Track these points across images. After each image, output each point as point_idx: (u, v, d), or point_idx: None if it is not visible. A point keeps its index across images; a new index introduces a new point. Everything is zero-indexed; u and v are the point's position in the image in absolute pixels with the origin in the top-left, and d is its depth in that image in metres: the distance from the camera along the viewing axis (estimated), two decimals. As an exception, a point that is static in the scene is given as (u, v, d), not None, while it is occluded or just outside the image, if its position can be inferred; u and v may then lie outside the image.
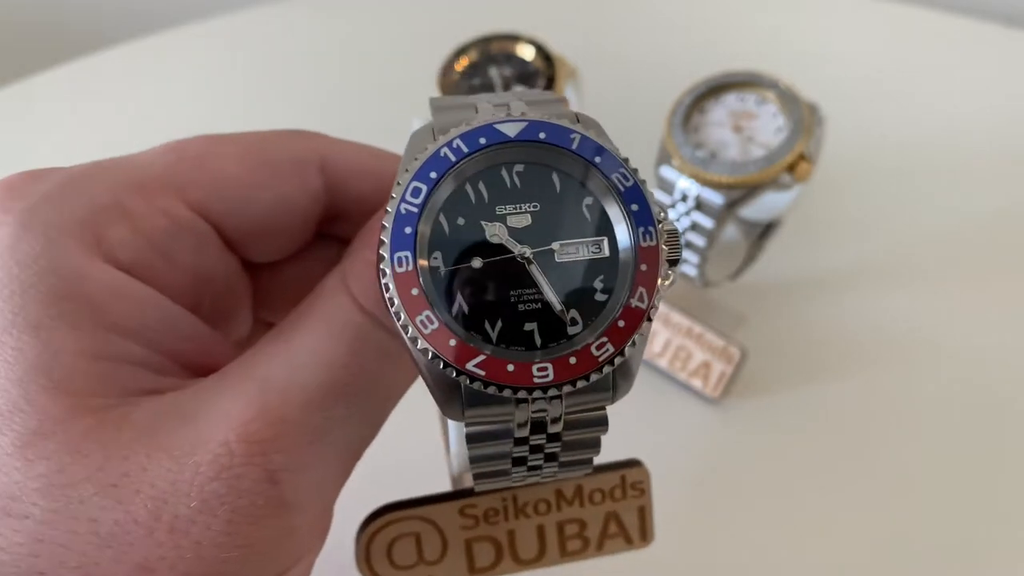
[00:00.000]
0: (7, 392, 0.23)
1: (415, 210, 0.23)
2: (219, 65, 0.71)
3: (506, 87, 0.47)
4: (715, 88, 0.44)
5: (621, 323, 0.22)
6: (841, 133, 0.49)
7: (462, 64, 0.48)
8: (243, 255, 0.29)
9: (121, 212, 0.26)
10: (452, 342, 0.22)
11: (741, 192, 0.42)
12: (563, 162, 0.23)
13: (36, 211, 0.24)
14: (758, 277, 0.50)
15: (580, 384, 0.22)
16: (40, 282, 0.24)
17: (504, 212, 0.23)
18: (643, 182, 0.23)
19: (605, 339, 0.22)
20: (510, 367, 0.22)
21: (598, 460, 0.28)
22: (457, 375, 0.22)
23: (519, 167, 0.23)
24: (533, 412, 0.23)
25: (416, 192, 0.23)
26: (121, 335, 0.24)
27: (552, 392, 0.22)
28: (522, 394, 0.22)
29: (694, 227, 0.43)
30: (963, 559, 0.40)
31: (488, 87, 0.47)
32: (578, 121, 0.24)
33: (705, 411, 0.45)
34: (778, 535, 0.41)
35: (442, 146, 0.23)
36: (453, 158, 0.23)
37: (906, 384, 0.46)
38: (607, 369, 0.22)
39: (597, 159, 0.23)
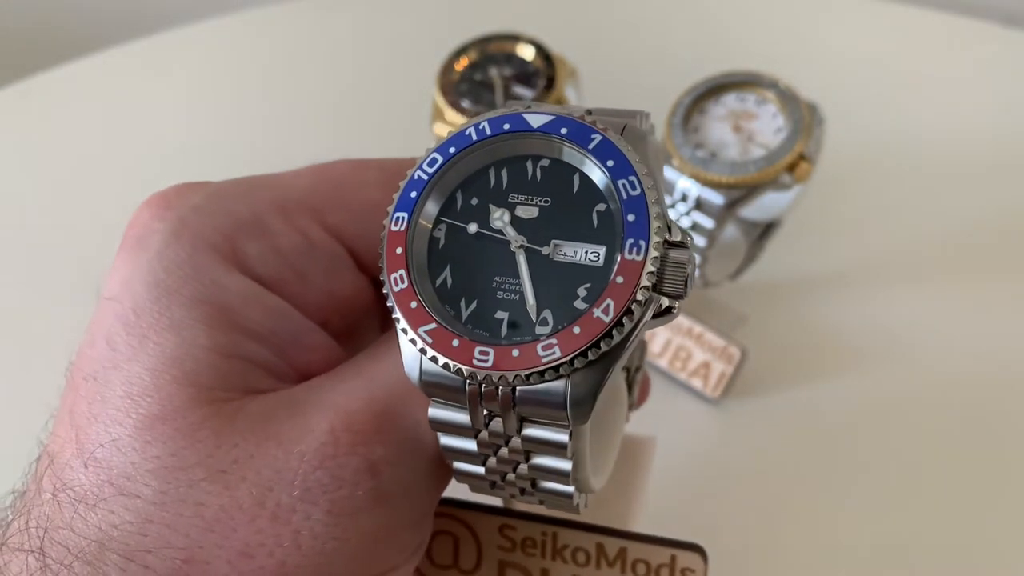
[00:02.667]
0: (141, 379, 0.25)
1: (426, 178, 0.23)
2: (219, 65, 0.71)
3: (506, 87, 0.47)
4: (715, 88, 0.44)
5: (576, 329, 0.21)
6: (841, 133, 0.49)
7: (462, 64, 0.48)
8: (374, 275, 0.31)
9: (260, 229, 0.27)
10: (413, 304, 0.22)
11: (741, 192, 0.42)
12: (583, 163, 0.23)
13: (185, 221, 0.27)
14: (758, 277, 0.50)
15: (516, 379, 0.21)
16: (183, 287, 0.26)
17: (515, 201, 0.23)
18: (655, 199, 0.22)
19: (554, 341, 0.21)
20: (455, 342, 0.22)
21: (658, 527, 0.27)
22: (408, 337, 0.22)
23: (545, 162, 0.23)
24: (486, 409, 0.23)
25: (432, 162, 0.24)
26: (250, 338, 0.26)
27: (491, 378, 0.21)
28: (455, 367, 0.22)
29: (694, 227, 0.43)
30: (964, 558, 0.40)
31: (488, 87, 0.47)
32: (623, 132, 0.23)
33: (705, 411, 0.45)
34: (778, 535, 0.41)
35: (470, 126, 0.24)
36: (475, 137, 0.24)
37: (906, 384, 0.46)
38: (549, 375, 0.21)
39: (610, 163, 0.22)
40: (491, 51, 0.48)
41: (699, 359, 0.45)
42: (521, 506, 0.33)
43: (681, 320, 0.46)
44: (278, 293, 0.27)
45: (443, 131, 0.46)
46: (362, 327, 0.31)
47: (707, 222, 0.43)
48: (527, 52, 0.47)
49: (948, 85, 0.62)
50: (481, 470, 0.25)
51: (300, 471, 0.24)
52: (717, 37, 0.68)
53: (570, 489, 0.25)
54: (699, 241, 0.44)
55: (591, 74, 0.51)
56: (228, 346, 0.26)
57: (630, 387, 0.32)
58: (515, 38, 0.48)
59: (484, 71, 0.47)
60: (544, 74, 0.46)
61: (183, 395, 0.24)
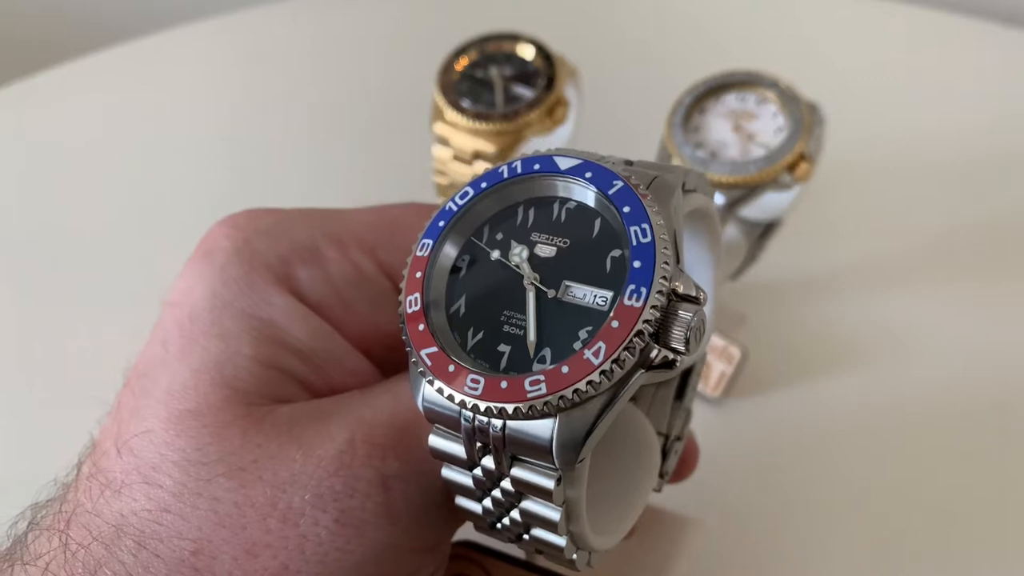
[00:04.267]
0: (184, 377, 0.26)
1: (455, 209, 0.24)
2: (219, 65, 0.71)
3: (506, 87, 0.47)
4: (715, 88, 0.44)
5: (565, 368, 0.21)
6: (841, 133, 0.49)
7: (462, 64, 0.48)
8: None
9: (315, 256, 0.29)
10: (420, 326, 0.23)
11: (741, 192, 0.42)
12: (603, 208, 0.23)
13: (248, 242, 0.29)
14: (758, 277, 0.49)
15: (502, 412, 0.21)
16: (236, 300, 0.27)
17: (536, 240, 0.23)
18: (667, 248, 0.22)
19: (542, 378, 0.21)
20: (451, 367, 0.22)
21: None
22: (412, 358, 0.23)
23: (571, 204, 0.24)
24: (480, 443, 0.23)
25: (464, 195, 0.24)
26: (291, 353, 0.27)
27: (478, 407, 0.21)
28: (447, 393, 0.22)
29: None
30: (965, 558, 0.40)
31: (488, 87, 0.47)
32: (650, 186, 0.23)
33: (705, 411, 0.45)
34: (778, 535, 0.41)
35: (504, 164, 0.24)
36: (506, 175, 0.24)
37: (906, 384, 0.46)
38: (533, 412, 0.21)
39: (626, 208, 0.22)
40: (491, 51, 0.48)
41: (699, 359, 0.45)
42: (543, 561, 0.33)
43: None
44: (324, 317, 0.29)
45: (443, 131, 0.46)
46: (404, 362, 0.32)
47: (707, 222, 0.43)
48: (527, 52, 0.47)
49: (948, 85, 0.62)
50: (479, 508, 0.25)
51: (315, 476, 0.24)
52: (717, 37, 0.68)
53: (560, 541, 0.24)
54: (699, 241, 0.44)
55: (591, 74, 0.51)
56: (269, 357, 0.27)
57: (665, 454, 0.32)
58: (515, 38, 0.48)
59: (484, 71, 0.47)
60: (544, 74, 0.46)
61: (218, 395, 0.25)
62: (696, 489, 0.42)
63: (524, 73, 0.47)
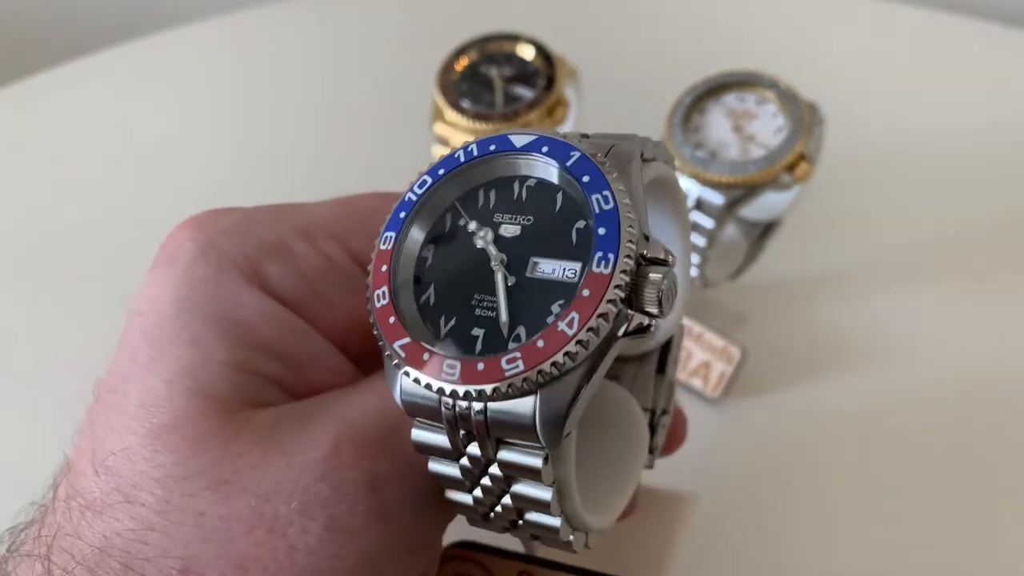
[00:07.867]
0: (156, 389, 0.25)
1: (415, 198, 0.24)
2: (219, 65, 0.71)
3: (506, 87, 0.47)
4: (715, 88, 0.44)
5: (540, 343, 0.21)
6: (841, 133, 0.49)
7: (462, 64, 0.48)
8: None
9: (284, 251, 0.28)
10: (391, 319, 0.22)
11: (741, 192, 0.42)
12: (564, 181, 0.23)
13: (213, 242, 0.28)
14: (758, 277, 0.49)
15: (482, 395, 0.21)
16: (205, 304, 0.26)
17: (500, 220, 0.23)
18: (630, 214, 0.21)
19: (518, 355, 0.21)
20: (425, 356, 0.22)
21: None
22: (386, 352, 0.22)
23: (531, 182, 0.23)
24: (463, 430, 0.22)
25: (423, 184, 0.24)
26: (267, 355, 0.27)
27: (457, 393, 0.21)
28: (424, 382, 0.21)
29: (694, 227, 0.43)
30: (965, 559, 0.40)
31: (488, 87, 0.47)
32: (607, 155, 0.23)
33: (705, 411, 0.45)
34: (778, 535, 0.41)
35: (459, 149, 0.24)
36: (463, 159, 0.24)
37: (906, 383, 0.46)
38: (513, 390, 0.21)
39: (585, 178, 0.22)
40: (491, 51, 0.48)
41: (699, 359, 0.45)
42: (542, 552, 0.33)
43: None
44: (298, 313, 0.28)
45: (443, 131, 0.46)
46: (381, 354, 0.32)
47: (707, 222, 0.43)
48: (527, 52, 0.47)
49: (948, 85, 0.62)
50: (470, 499, 0.25)
51: (301, 483, 0.24)
52: (717, 37, 0.68)
53: (555, 522, 0.24)
54: (699, 241, 0.44)
55: (591, 74, 0.51)
56: (244, 361, 0.26)
57: (653, 429, 0.32)
58: (515, 38, 0.48)
59: (484, 71, 0.47)
60: (544, 74, 0.46)
61: (194, 406, 0.25)
62: (695, 488, 0.42)
63: (524, 73, 0.47)
